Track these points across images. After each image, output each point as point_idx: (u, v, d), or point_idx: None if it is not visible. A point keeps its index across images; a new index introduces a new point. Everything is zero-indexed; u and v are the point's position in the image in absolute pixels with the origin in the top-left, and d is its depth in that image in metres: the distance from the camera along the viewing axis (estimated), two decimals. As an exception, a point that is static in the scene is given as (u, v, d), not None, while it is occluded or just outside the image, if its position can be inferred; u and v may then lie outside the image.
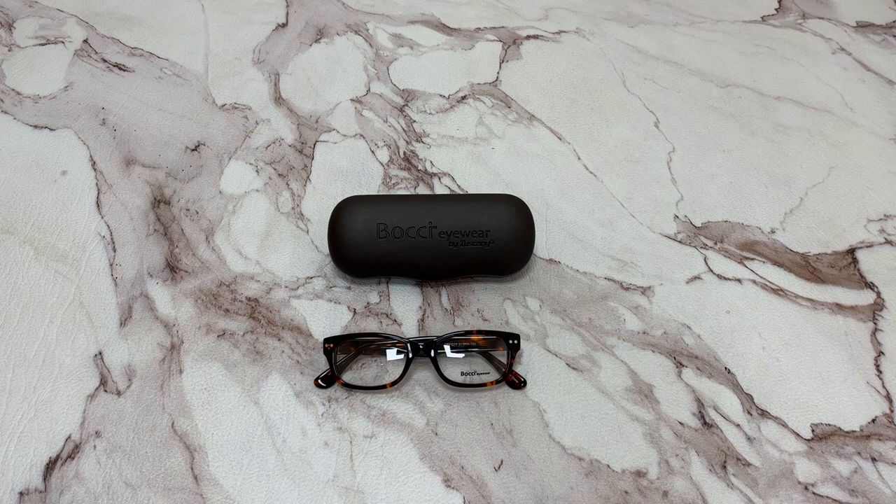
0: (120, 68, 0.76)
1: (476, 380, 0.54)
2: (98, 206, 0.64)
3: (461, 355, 0.55)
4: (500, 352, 0.55)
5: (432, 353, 0.53)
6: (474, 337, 0.54)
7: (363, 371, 0.55)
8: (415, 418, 0.52)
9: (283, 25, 0.83)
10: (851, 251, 0.65)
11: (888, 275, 0.63)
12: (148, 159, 0.68)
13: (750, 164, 0.72)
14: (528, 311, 0.59)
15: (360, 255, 0.56)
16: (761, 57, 0.84)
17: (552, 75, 0.80)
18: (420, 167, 0.69)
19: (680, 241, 0.65)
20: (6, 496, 0.47)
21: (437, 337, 0.53)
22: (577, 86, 0.79)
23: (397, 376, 0.53)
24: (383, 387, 0.53)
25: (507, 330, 0.57)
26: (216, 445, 0.50)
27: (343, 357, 0.54)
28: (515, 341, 0.53)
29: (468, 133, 0.73)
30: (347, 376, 0.54)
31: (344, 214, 0.57)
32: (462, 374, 0.54)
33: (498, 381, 0.53)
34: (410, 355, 0.52)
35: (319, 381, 0.53)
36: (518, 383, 0.54)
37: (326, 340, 0.53)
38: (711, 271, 0.62)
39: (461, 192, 0.67)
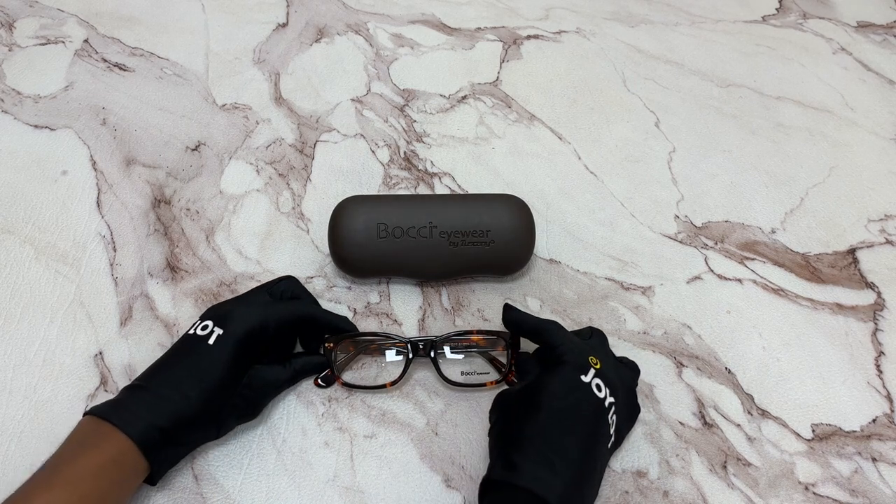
0: (120, 68, 0.76)
1: (476, 379, 0.54)
2: (98, 205, 0.64)
3: (461, 356, 0.55)
4: (500, 352, 0.55)
5: (432, 353, 0.52)
6: (474, 337, 0.54)
7: (363, 371, 0.55)
8: (415, 418, 0.52)
9: (284, 25, 0.83)
10: (852, 251, 0.65)
11: (889, 275, 0.63)
12: (148, 159, 0.68)
13: (750, 164, 0.72)
14: (528, 311, 0.59)
15: (360, 254, 0.56)
16: (762, 57, 0.84)
17: (552, 75, 0.80)
18: (420, 167, 0.69)
19: (680, 241, 0.65)
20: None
21: (437, 337, 0.53)
22: (578, 86, 0.79)
23: (397, 376, 0.53)
24: (383, 386, 0.53)
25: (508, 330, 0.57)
26: (216, 445, 0.50)
27: (343, 356, 0.54)
28: (515, 341, 0.53)
29: (468, 133, 0.73)
30: (347, 376, 0.54)
31: (344, 214, 0.56)
32: (462, 373, 0.54)
33: (498, 382, 0.53)
34: (410, 355, 0.52)
35: (319, 380, 0.53)
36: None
37: (326, 339, 0.53)
38: (712, 271, 0.62)
39: (461, 192, 0.67)
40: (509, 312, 0.52)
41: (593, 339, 0.52)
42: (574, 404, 0.44)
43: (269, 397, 0.51)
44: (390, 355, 0.54)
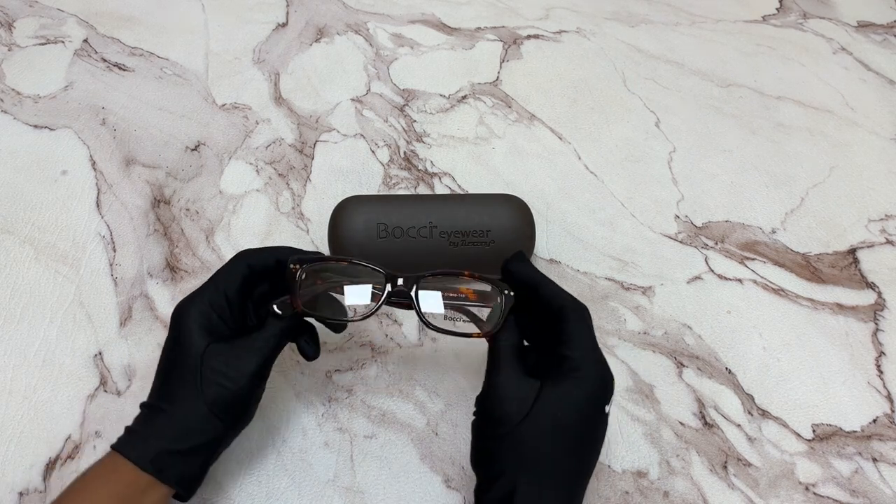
0: (120, 68, 0.76)
1: (461, 328, 0.45)
2: (98, 205, 0.64)
3: (441, 309, 0.45)
4: (488, 307, 0.46)
5: (412, 290, 0.44)
6: (464, 288, 0.45)
7: (332, 305, 0.48)
8: (415, 418, 0.52)
9: (284, 25, 0.83)
10: (852, 251, 0.65)
11: (889, 275, 0.63)
12: (148, 159, 0.68)
13: (751, 164, 0.71)
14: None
15: (360, 254, 0.56)
16: (762, 57, 0.84)
17: (553, 75, 0.80)
18: (420, 167, 0.69)
19: (681, 241, 0.65)
20: (6, 496, 0.47)
21: (422, 273, 0.44)
22: (578, 85, 0.79)
23: (369, 311, 0.44)
24: (350, 320, 0.46)
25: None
26: (216, 445, 0.50)
27: (310, 287, 0.46)
28: (512, 293, 0.44)
29: (468, 133, 0.73)
30: (309, 305, 0.45)
31: (344, 214, 0.56)
32: (445, 317, 0.45)
33: (485, 335, 0.44)
34: (386, 289, 0.44)
35: (275, 306, 0.44)
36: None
37: (291, 261, 0.44)
38: (712, 271, 0.62)
39: (462, 192, 0.67)
40: (519, 265, 0.43)
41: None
42: (596, 440, 0.39)
43: (261, 369, 0.44)
44: (361, 290, 0.45)
